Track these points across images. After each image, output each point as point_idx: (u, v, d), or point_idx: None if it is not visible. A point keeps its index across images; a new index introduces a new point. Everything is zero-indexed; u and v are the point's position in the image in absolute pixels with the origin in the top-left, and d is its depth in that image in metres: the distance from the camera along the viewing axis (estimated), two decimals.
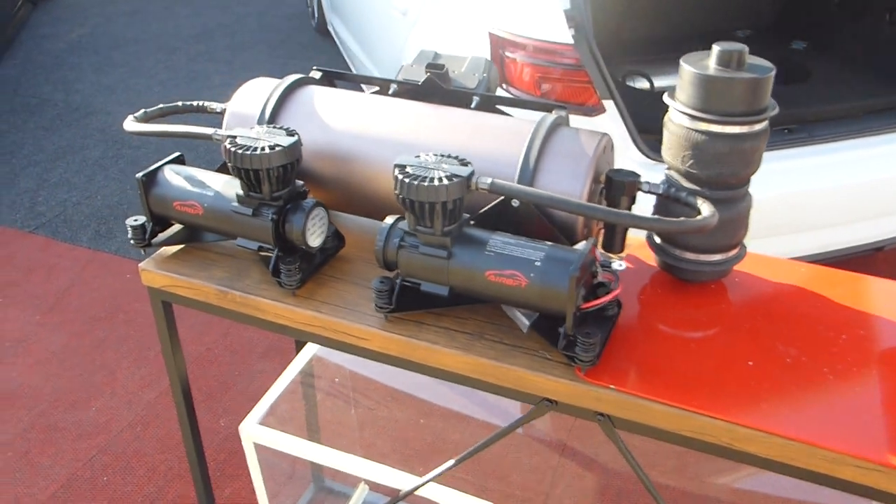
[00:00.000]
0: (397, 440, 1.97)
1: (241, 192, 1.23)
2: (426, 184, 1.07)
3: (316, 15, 6.09)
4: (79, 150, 4.32)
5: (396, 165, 1.11)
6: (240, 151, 1.16)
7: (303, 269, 1.25)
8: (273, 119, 1.35)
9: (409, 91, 1.40)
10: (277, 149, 1.17)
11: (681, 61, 1.16)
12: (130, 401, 2.55)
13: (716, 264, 1.25)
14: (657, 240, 1.30)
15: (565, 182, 1.17)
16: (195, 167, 1.34)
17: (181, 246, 1.38)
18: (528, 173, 1.18)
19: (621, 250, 1.27)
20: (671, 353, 1.14)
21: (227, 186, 1.27)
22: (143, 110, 1.42)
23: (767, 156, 1.28)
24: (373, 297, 1.19)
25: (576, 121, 1.90)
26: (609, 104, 2.40)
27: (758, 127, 1.15)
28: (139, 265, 1.35)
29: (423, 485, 1.37)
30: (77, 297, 3.09)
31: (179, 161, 1.37)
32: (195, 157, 4.04)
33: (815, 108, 2.72)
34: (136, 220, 1.33)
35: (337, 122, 1.33)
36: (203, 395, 2.55)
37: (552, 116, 1.25)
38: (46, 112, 4.82)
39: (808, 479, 1.02)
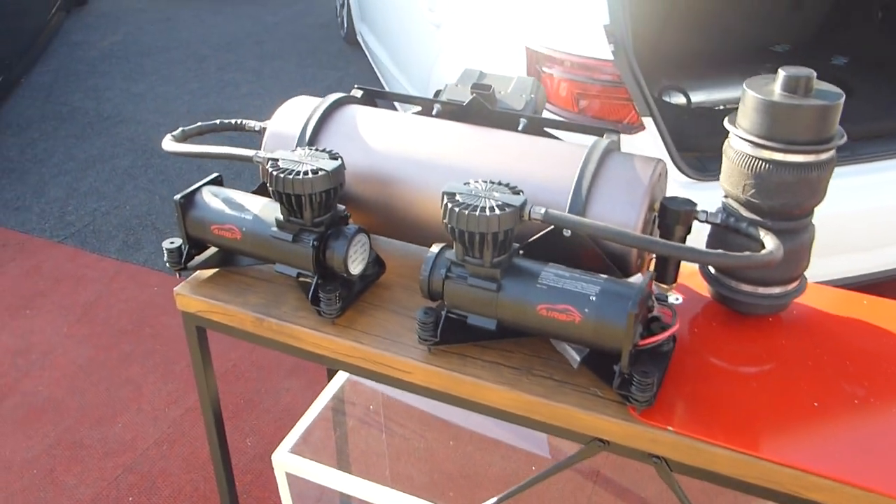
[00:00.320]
0: (431, 470, 1.92)
1: (280, 216, 1.19)
2: (477, 213, 1.02)
3: (345, 25, 6.07)
4: (109, 158, 4.32)
5: (445, 193, 1.06)
6: (282, 175, 1.12)
7: (343, 296, 1.20)
8: (314, 139, 1.31)
9: (453, 112, 1.36)
10: (321, 173, 1.13)
11: (744, 86, 1.11)
12: (157, 417, 2.52)
13: (775, 297, 1.19)
14: (711, 270, 1.25)
15: (619, 211, 1.12)
16: (234, 189, 1.30)
17: (216, 269, 1.34)
18: (581, 201, 1.13)
19: (674, 281, 1.22)
20: (730, 391, 1.08)
21: (267, 210, 1.22)
22: (181, 129, 1.38)
23: None
24: (416, 329, 1.14)
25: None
26: (648, 121, 2.34)
27: (825, 156, 1.09)
28: (174, 290, 1.31)
29: None
30: (104, 309, 3.07)
31: (217, 182, 1.33)
32: (231, 173, 4.01)
33: (858, 126, 2.65)
34: (172, 243, 1.29)
35: (379, 143, 1.28)
36: (229, 413, 2.51)
37: (605, 141, 1.20)
38: (77, 120, 4.83)
39: None
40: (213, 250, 1.33)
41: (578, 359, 1.10)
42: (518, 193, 1.07)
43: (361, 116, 1.33)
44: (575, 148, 1.20)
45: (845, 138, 1.09)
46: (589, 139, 1.22)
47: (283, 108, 1.37)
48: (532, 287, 1.06)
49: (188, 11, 7.23)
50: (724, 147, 1.17)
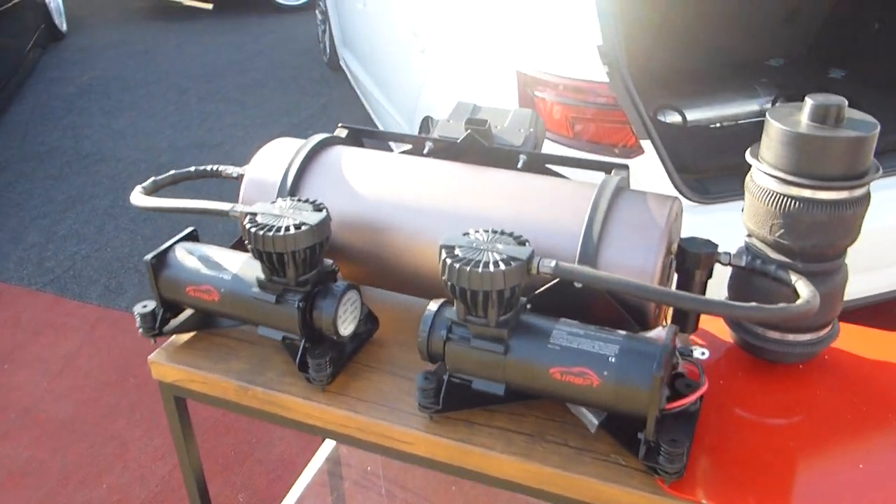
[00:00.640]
0: None
1: (262, 275, 1.08)
2: (479, 269, 0.91)
3: (328, 51, 5.99)
4: (88, 199, 4.20)
5: (443, 247, 0.96)
6: (261, 233, 1.01)
7: (333, 360, 1.09)
8: (296, 186, 1.20)
9: (446, 150, 1.25)
10: (304, 228, 1.02)
11: (767, 116, 1.00)
12: (143, 475, 2.38)
13: (806, 345, 1.09)
14: None
15: (635, 257, 1.01)
16: (210, 244, 1.19)
17: (194, 332, 1.23)
18: (592, 247, 1.02)
19: (695, 330, 1.12)
20: (765, 453, 0.98)
21: (247, 268, 1.11)
22: (152, 179, 1.28)
23: None
24: (416, 395, 1.03)
25: None
26: (647, 144, 2.25)
27: (859, 192, 0.99)
28: (148, 358, 1.19)
29: None
30: (86, 360, 2.93)
31: (193, 237, 1.22)
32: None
33: None
34: (144, 307, 1.18)
35: (367, 188, 1.18)
36: (220, 467, 2.38)
37: (615, 178, 1.09)
38: (56, 160, 4.71)
39: None
40: (190, 311, 1.21)
41: (596, 422, 0.99)
42: (524, 244, 0.97)
43: (347, 158, 1.23)
44: (581, 187, 1.10)
45: (881, 171, 0.99)
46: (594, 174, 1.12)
47: (262, 153, 1.26)
48: (543, 348, 0.95)
49: (168, 43, 7.14)
50: (745, 182, 1.06)
